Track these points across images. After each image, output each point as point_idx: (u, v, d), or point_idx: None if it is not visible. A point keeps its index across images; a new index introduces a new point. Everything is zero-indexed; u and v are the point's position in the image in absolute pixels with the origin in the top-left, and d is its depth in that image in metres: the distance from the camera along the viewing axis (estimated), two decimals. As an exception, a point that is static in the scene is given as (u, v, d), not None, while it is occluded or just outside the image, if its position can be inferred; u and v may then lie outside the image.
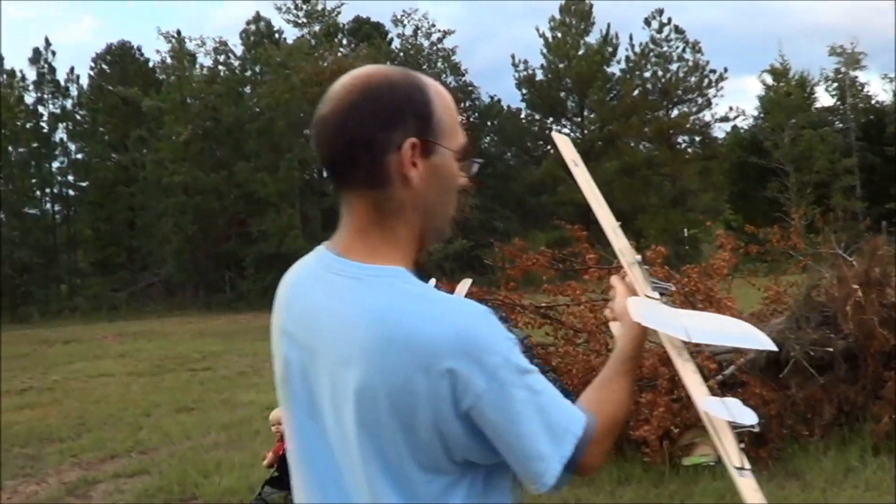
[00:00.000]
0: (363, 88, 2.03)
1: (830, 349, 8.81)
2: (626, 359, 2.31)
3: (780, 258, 11.49)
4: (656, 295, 2.48)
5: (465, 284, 9.57)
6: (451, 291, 9.28)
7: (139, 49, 63.58)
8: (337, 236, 2.13)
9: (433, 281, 9.74)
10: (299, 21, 58.54)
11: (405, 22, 57.37)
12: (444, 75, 57.52)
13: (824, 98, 60.58)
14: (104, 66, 62.69)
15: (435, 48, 57.24)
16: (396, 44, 58.15)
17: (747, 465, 2.22)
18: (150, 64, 61.40)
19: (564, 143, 3.03)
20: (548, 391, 1.97)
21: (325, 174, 2.34)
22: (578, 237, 10.20)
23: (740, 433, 2.28)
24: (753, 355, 8.90)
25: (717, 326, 2.70)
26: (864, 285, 8.71)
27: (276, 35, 59.91)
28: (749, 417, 2.34)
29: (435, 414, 1.88)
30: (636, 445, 8.70)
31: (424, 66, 56.29)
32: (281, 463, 8.01)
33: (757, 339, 2.61)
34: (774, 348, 2.63)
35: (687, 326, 2.45)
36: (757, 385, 8.73)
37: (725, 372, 8.96)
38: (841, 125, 57.33)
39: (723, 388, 8.82)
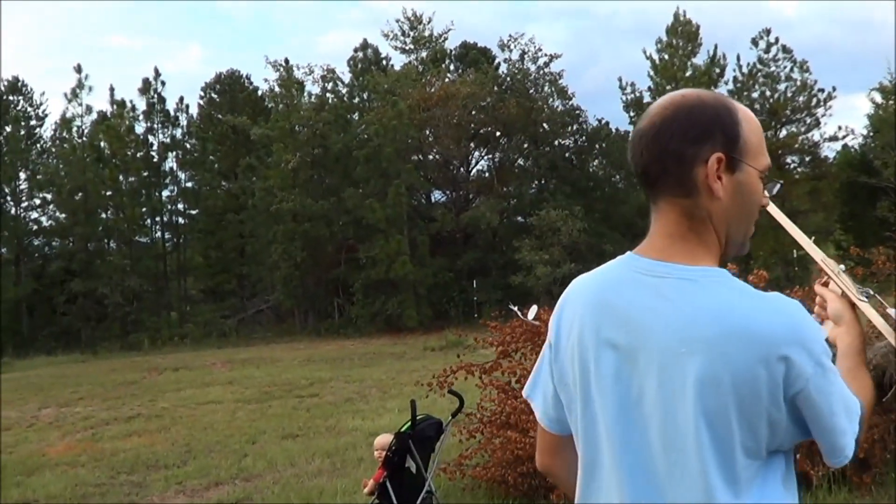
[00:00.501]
0: (678, 107, 2.30)
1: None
2: (858, 352, 2.55)
3: (886, 279, 11.31)
4: (864, 298, 2.70)
5: (533, 311, 9.55)
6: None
7: (248, 78, 64.30)
8: (647, 242, 2.35)
9: (535, 307, 9.70)
10: (406, 47, 58.94)
11: (512, 47, 57.18)
12: (550, 99, 57.38)
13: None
14: (213, 95, 63.59)
15: (542, 72, 57.04)
16: (503, 69, 58.09)
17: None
18: (259, 92, 61.87)
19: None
20: (839, 375, 2.21)
21: (638, 181, 2.39)
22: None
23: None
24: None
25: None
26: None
27: (384, 62, 60.30)
28: None
29: (770, 399, 2.09)
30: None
31: (531, 91, 56.26)
32: (381, 489, 8.04)
33: None
34: None
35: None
36: (860, 409, 8.57)
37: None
38: (953, 141, 56.41)
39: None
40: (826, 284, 2.79)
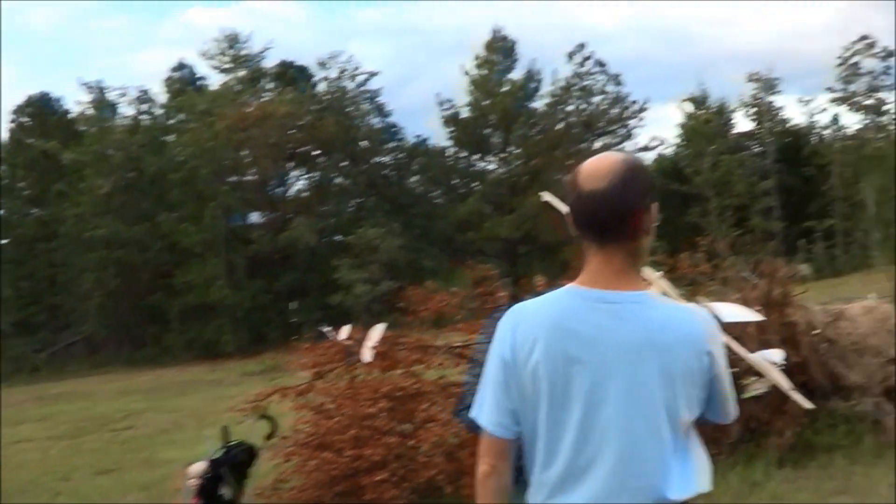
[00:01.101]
0: (629, 169, 2.90)
1: (736, 369, 8.89)
2: None
3: (689, 283, 11.64)
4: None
5: (379, 329, 9.52)
6: (364, 337, 9.22)
7: (59, 101, 62.70)
8: (591, 277, 2.92)
9: (349, 326, 9.65)
10: (224, 66, 58.24)
11: (330, 65, 57.24)
12: (369, 117, 57.61)
13: (742, 123, 61.52)
14: (23, 119, 61.88)
15: (360, 90, 57.18)
16: (322, 87, 58.05)
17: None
18: (71, 116, 60.31)
19: (552, 198, 4.35)
20: None
21: (588, 232, 2.93)
22: (488, 277, 10.21)
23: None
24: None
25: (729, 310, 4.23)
26: (766, 306, 8.90)
27: (200, 82, 59.61)
28: (779, 356, 4.26)
29: (700, 384, 2.89)
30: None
31: (350, 108, 56.37)
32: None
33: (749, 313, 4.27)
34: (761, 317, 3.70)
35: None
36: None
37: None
38: (759, 149, 58.27)
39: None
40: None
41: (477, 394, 3.01)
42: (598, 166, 2.88)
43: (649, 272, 3.78)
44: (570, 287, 2.92)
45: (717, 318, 3.66)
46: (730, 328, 9.45)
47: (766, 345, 8.68)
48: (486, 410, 2.97)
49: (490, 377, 2.96)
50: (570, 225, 2.96)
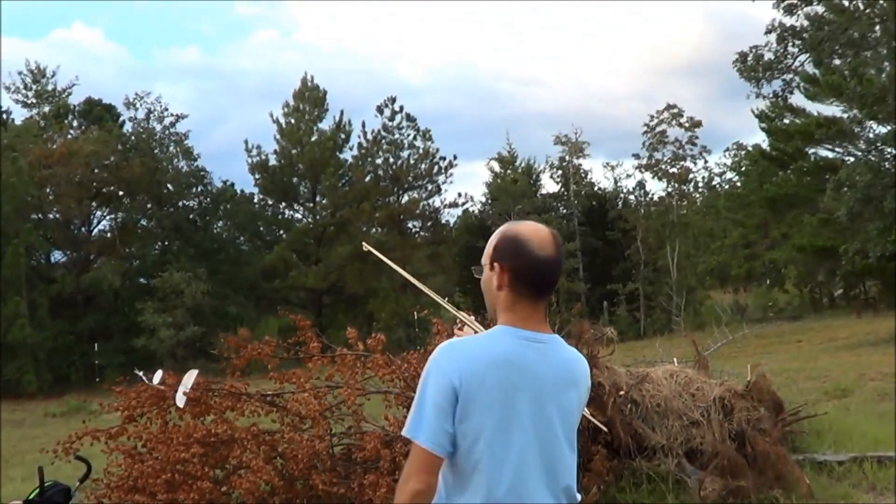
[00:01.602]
0: (558, 238, 3.56)
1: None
2: None
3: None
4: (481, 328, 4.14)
5: (191, 375, 9.66)
6: (178, 382, 9.35)
7: None
8: (524, 321, 3.46)
9: (160, 372, 9.77)
10: (28, 101, 57.01)
11: (137, 105, 56.56)
12: (175, 160, 56.99)
13: (549, 184, 62.80)
14: None
15: (167, 132, 56.60)
16: (128, 127, 57.31)
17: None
18: None
19: (373, 249, 4.71)
20: None
21: (541, 292, 3.54)
22: (301, 325, 10.40)
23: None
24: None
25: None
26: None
27: (4, 116, 58.22)
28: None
29: (580, 412, 3.58)
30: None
31: (157, 151, 55.73)
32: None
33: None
34: None
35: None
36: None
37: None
38: (565, 210, 59.54)
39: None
40: (462, 329, 4.21)
41: (411, 417, 3.35)
42: (543, 236, 3.50)
43: (462, 314, 4.22)
44: (503, 329, 3.45)
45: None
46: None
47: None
48: (425, 430, 3.29)
49: (430, 402, 3.30)
50: (504, 280, 3.48)
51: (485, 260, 3.61)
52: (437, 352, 3.40)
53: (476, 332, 4.04)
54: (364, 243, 4.75)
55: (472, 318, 4.39)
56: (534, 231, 3.50)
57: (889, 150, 32.60)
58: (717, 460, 9.38)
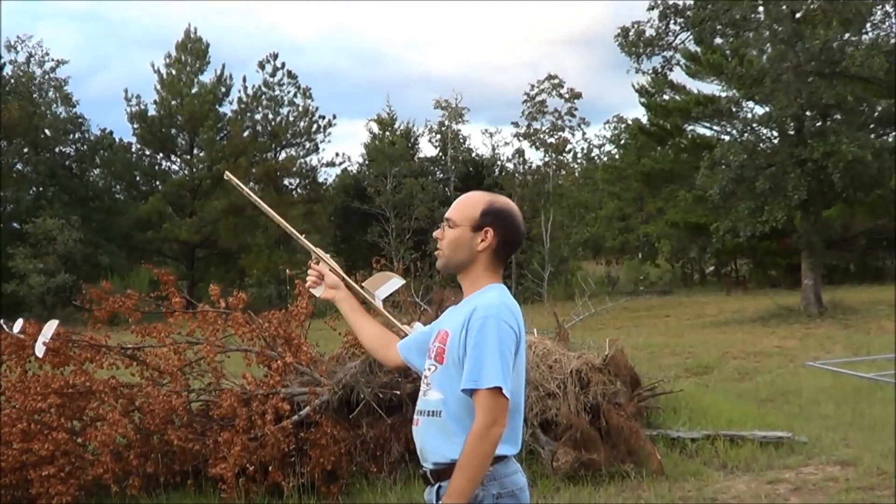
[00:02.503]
0: None
1: (398, 392, 9.39)
2: (359, 307, 4.46)
3: (362, 304, 12.07)
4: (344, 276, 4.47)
5: (52, 325, 9.60)
6: (38, 332, 9.28)
7: None
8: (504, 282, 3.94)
9: (21, 321, 9.66)
10: None
11: (18, 48, 55.25)
12: (54, 105, 55.90)
13: (428, 148, 62.76)
14: None
15: (47, 77, 55.45)
16: (7, 70, 55.98)
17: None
18: None
19: (233, 180, 4.61)
20: None
21: (511, 254, 4.07)
22: (165, 280, 10.36)
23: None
24: (327, 397, 9.36)
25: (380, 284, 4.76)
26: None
27: None
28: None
29: None
30: (213, 482, 8.99)
31: (35, 95, 54.62)
32: None
33: (398, 279, 4.91)
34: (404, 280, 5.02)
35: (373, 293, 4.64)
36: (329, 425, 9.18)
37: (301, 412, 9.36)
38: (442, 175, 59.69)
39: (297, 428, 9.24)
40: (318, 264, 4.44)
41: (493, 368, 3.56)
42: (519, 212, 3.95)
43: (320, 251, 4.41)
44: (505, 288, 3.85)
45: (376, 297, 4.66)
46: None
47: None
48: (506, 380, 3.57)
49: (507, 351, 3.62)
50: (493, 243, 3.83)
51: (460, 220, 3.87)
52: (496, 308, 3.68)
53: (331, 267, 4.42)
54: (227, 172, 4.76)
55: (329, 255, 4.54)
56: (513, 206, 3.96)
57: (764, 131, 33.16)
58: (571, 432, 9.51)
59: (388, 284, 4.75)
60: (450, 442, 3.66)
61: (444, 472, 3.66)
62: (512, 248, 3.92)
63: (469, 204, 3.91)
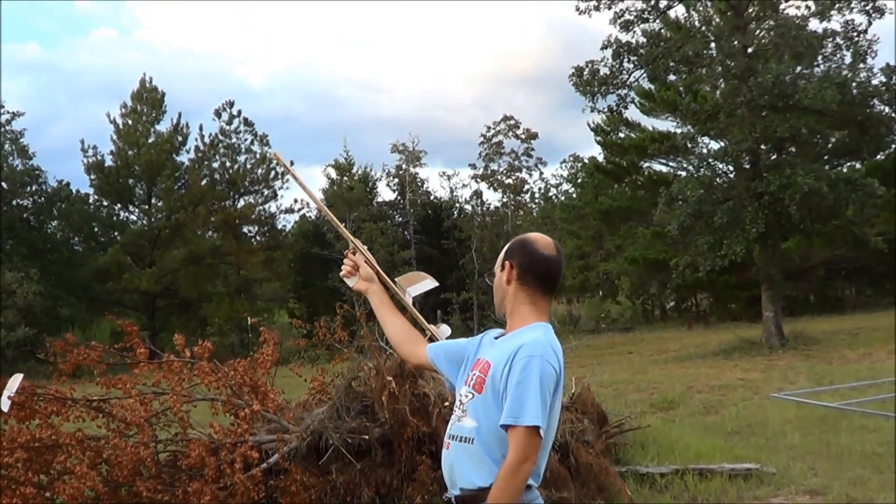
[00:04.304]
0: (560, 246, 4.14)
1: (367, 437, 9.37)
2: (389, 303, 4.64)
3: (326, 350, 12.09)
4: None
5: (16, 379, 9.52)
6: (2, 386, 9.20)
7: None
8: (547, 317, 4.04)
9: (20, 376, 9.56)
10: None
11: (-26, 101, 54.97)
12: (11, 158, 55.53)
13: (386, 192, 62.91)
14: None
15: (2, 129, 55.06)
16: (-38, 125, 55.66)
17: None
18: None
19: (279, 157, 5.23)
20: None
21: (545, 285, 4.07)
22: (129, 331, 10.31)
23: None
24: (296, 444, 9.34)
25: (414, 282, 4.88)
26: (399, 377, 9.25)
27: None
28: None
29: None
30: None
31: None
32: None
33: (431, 281, 4.97)
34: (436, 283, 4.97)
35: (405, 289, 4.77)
36: (298, 472, 9.15)
37: (270, 460, 9.33)
38: (401, 219, 59.73)
39: (267, 476, 9.21)
40: (354, 253, 4.65)
41: (532, 406, 3.69)
42: (547, 241, 4.05)
43: (359, 243, 4.59)
44: (548, 325, 3.95)
45: (407, 294, 4.81)
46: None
47: (399, 414, 9.24)
48: (543, 418, 3.71)
49: (546, 392, 3.75)
50: (512, 274, 4.01)
51: (496, 266, 4.15)
52: (542, 348, 3.80)
53: (367, 259, 4.65)
54: (275, 152, 5.05)
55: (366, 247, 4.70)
56: (539, 236, 4.10)
57: (721, 165, 33.38)
58: (541, 471, 9.51)
59: (420, 284, 4.84)
60: (479, 470, 3.83)
61: (469, 498, 3.85)
62: (538, 276, 4.01)
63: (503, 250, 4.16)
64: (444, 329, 4.84)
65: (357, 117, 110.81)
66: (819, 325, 36.24)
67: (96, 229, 59.35)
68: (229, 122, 56.76)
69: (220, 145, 56.73)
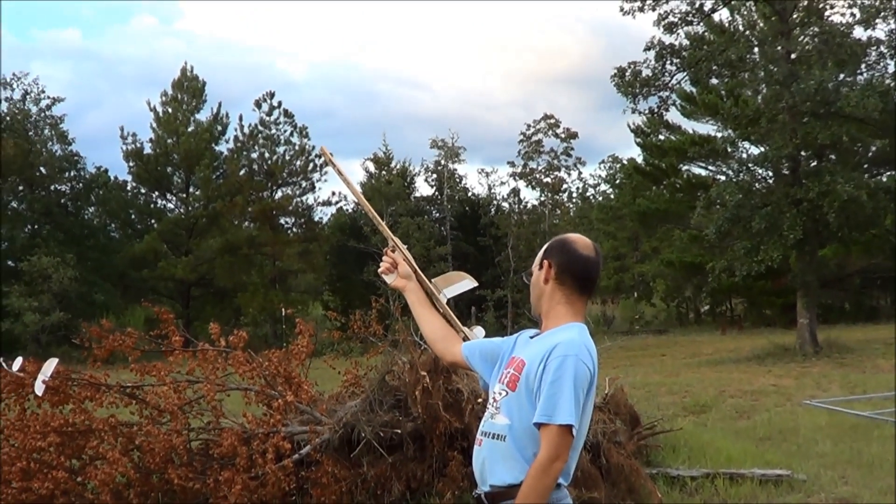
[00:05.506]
0: (599, 248, 4.15)
1: (399, 430, 9.37)
2: (426, 300, 4.67)
3: (360, 343, 12.10)
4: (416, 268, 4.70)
5: (52, 364, 9.57)
6: (37, 370, 9.26)
7: None
8: (582, 318, 4.06)
9: (20, 359, 9.62)
10: None
11: (14, 85, 55.11)
12: (50, 143, 55.80)
13: (424, 188, 62.87)
14: None
15: (43, 114, 55.26)
16: (3, 107, 55.88)
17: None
18: None
19: (325, 152, 5.22)
20: None
21: (585, 285, 4.09)
22: (164, 318, 10.33)
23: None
24: (328, 435, 9.34)
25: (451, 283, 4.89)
26: (433, 372, 9.24)
27: None
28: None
29: None
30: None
31: (31, 133, 54.52)
32: None
33: (470, 281, 5.03)
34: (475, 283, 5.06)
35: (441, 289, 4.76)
36: (330, 464, 9.15)
37: (302, 451, 9.35)
38: (438, 214, 59.72)
39: (298, 467, 9.23)
40: (393, 251, 4.66)
41: (566, 405, 3.73)
42: (586, 241, 4.08)
43: (399, 242, 4.81)
44: (583, 326, 3.96)
45: (443, 294, 4.79)
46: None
47: (432, 409, 9.24)
48: (576, 418, 3.75)
49: (580, 391, 3.79)
50: (550, 273, 4.04)
51: (534, 265, 4.17)
52: (577, 348, 3.83)
53: (405, 257, 4.66)
54: (322, 147, 5.07)
55: (406, 247, 4.76)
56: (578, 237, 4.12)
57: (760, 171, 33.21)
58: (572, 471, 9.48)
59: (458, 284, 4.87)
60: (510, 467, 3.85)
61: (499, 494, 3.87)
62: (575, 276, 4.03)
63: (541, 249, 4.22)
64: (479, 331, 4.86)
65: (396, 112, 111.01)
66: (853, 333, 36.05)
67: (133, 216, 59.63)
68: (269, 113, 56.82)
69: (260, 136, 56.76)
